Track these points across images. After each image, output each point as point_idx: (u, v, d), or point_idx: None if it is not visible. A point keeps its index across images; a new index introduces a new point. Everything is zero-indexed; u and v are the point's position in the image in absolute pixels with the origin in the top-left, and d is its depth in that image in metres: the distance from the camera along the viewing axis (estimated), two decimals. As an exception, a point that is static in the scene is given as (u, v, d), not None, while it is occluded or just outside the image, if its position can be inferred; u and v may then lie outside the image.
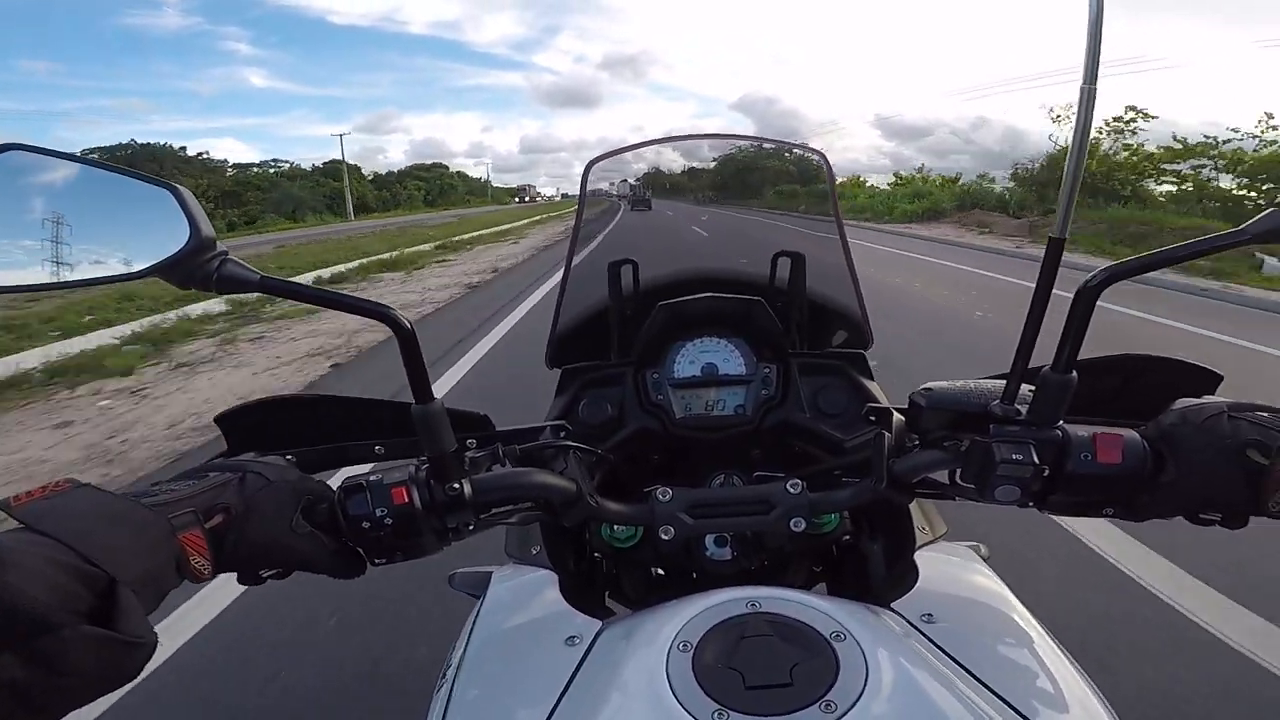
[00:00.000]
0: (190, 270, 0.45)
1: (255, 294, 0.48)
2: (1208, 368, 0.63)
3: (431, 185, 77.16)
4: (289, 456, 0.62)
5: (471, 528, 0.56)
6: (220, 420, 0.65)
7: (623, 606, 0.81)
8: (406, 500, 0.51)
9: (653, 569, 0.82)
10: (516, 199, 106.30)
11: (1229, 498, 0.48)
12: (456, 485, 0.53)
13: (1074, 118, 0.46)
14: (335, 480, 0.55)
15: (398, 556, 0.54)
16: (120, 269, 0.47)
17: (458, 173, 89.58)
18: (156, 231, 0.45)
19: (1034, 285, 0.48)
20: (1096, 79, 0.46)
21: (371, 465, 0.56)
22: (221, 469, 0.50)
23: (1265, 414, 0.48)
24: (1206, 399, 0.52)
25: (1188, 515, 0.51)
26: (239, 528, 0.47)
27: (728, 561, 0.74)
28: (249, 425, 0.66)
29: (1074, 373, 0.50)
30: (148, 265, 0.45)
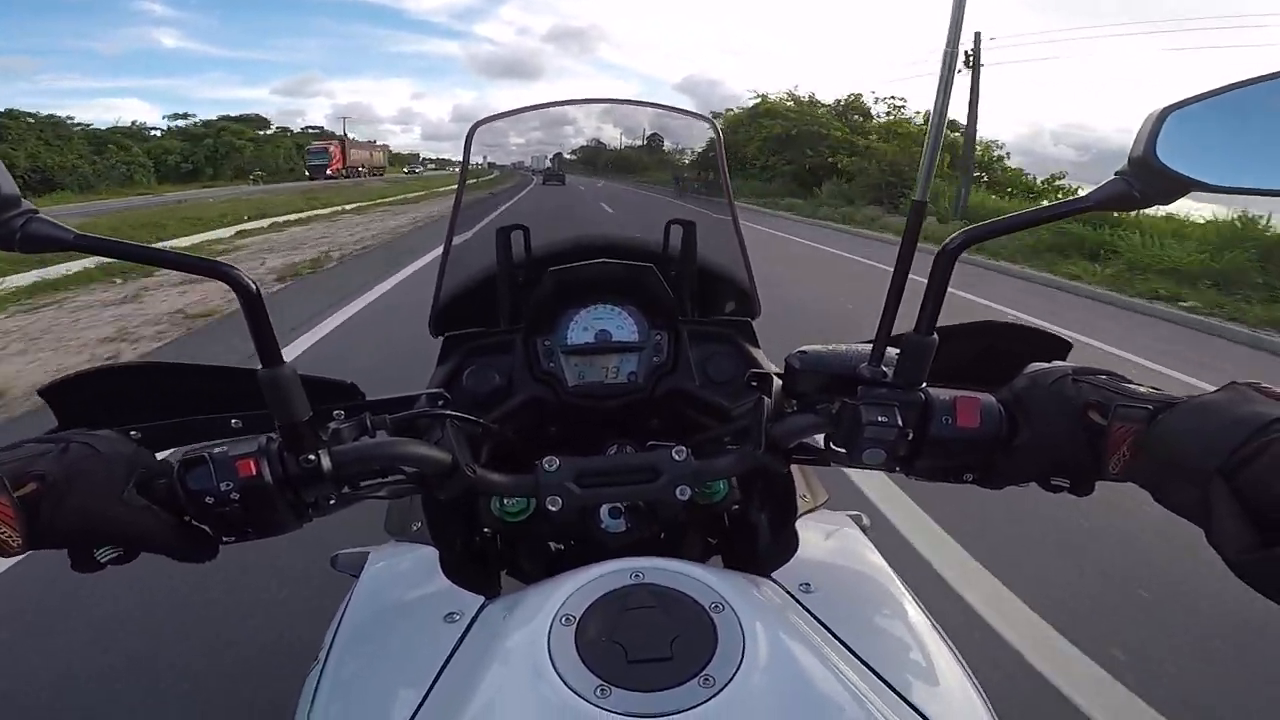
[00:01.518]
0: None
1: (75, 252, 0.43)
2: (1059, 335, 0.66)
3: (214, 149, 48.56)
4: (132, 432, 0.57)
5: (334, 502, 0.53)
6: (46, 393, 0.60)
7: (520, 584, 0.79)
8: (255, 473, 0.48)
9: (550, 544, 0.81)
10: (407, 169, 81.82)
11: (1075, 459, 0.50)
12: (313, 457, 0.50)
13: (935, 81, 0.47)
14: None
15: (250, 534, 0.50)
16: None
17: (281, 130, 60.65)
18: None
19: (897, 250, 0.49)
20: (958, 42, 0.47)
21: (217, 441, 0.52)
22: (40, 441, 0.45)
23: (1105, 377, 0.50)
24: (1055, 363, 0.54)
25: (1040, 481, 0.53)
26: (57, 497, 0.43)
27: (622, 533, 0.73)
28: (82, 398, 0.61)
29: (935, 335, 0.51)
30: None
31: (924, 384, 0.53)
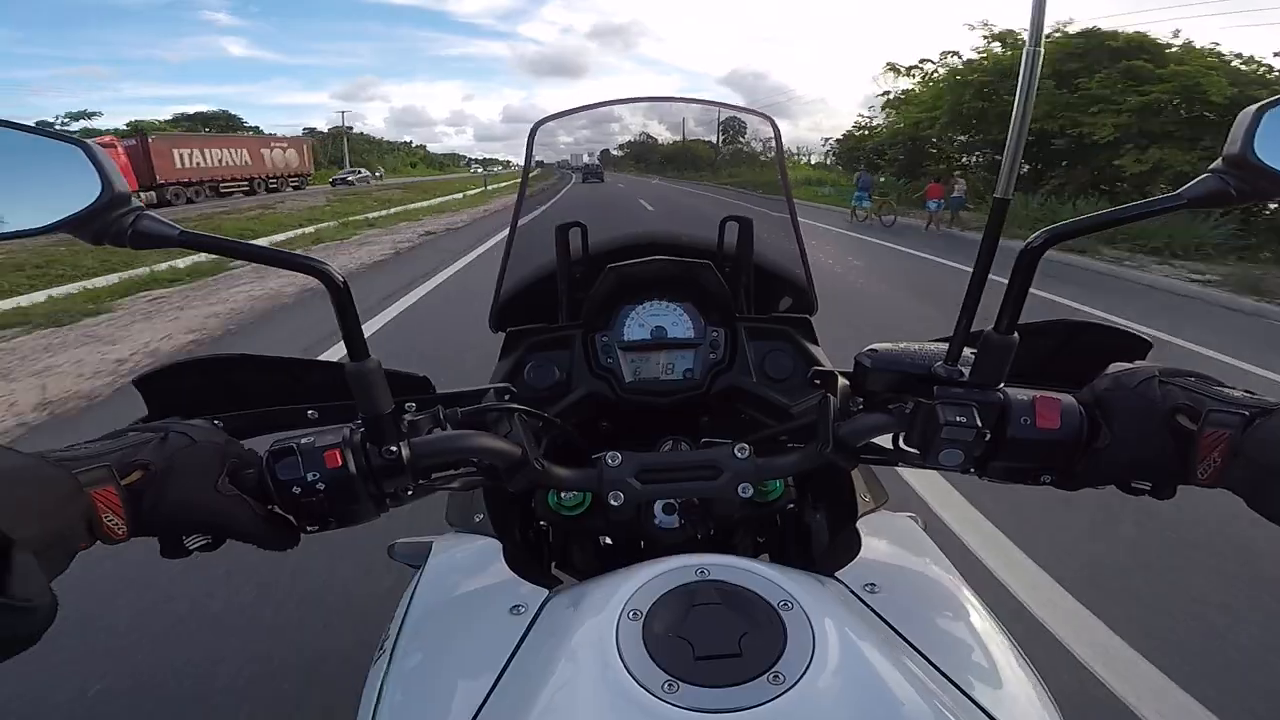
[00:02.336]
0: (103, 226, 0.43)
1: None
2: (1139, 334, 0.64)
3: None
4: (216, 421, 0.60)
5: (410, 493, 0.54)
6: (140, 383, 0.62)
7: (569, 577, 0.80)
8: (340, 464, 0.49)
9: (601, 538, 0.82)
10: (336, 179, 41.04)
11: (1159, 463, 0.48)
12: (394, 448, 0.51)
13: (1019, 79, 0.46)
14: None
15: (331, 524, 0.51)
16: (29, 223, 0.44)
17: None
18: (68, 188, 0.43)
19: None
20: (1041, 41, 0.46)
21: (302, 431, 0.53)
22: (141, 430, 0.47)
23: (1194, 379, 0.49)
24: (1138, 364, 0.53)
25: (1119, 483, 0.52)
26: (158, 486, 0.44)
27: (675, 530, 0.73)
28: (171, 388, 0.63)
29: (1015, 334, 0.50)
30: (58, 220, 0.43)
31: (1002, 384, 0.52)
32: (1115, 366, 0.53)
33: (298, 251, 0.48)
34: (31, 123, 0.47)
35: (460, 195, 22.47)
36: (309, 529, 0.51)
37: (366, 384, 0.50)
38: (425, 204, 20.03)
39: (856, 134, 27.00)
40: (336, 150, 63.46)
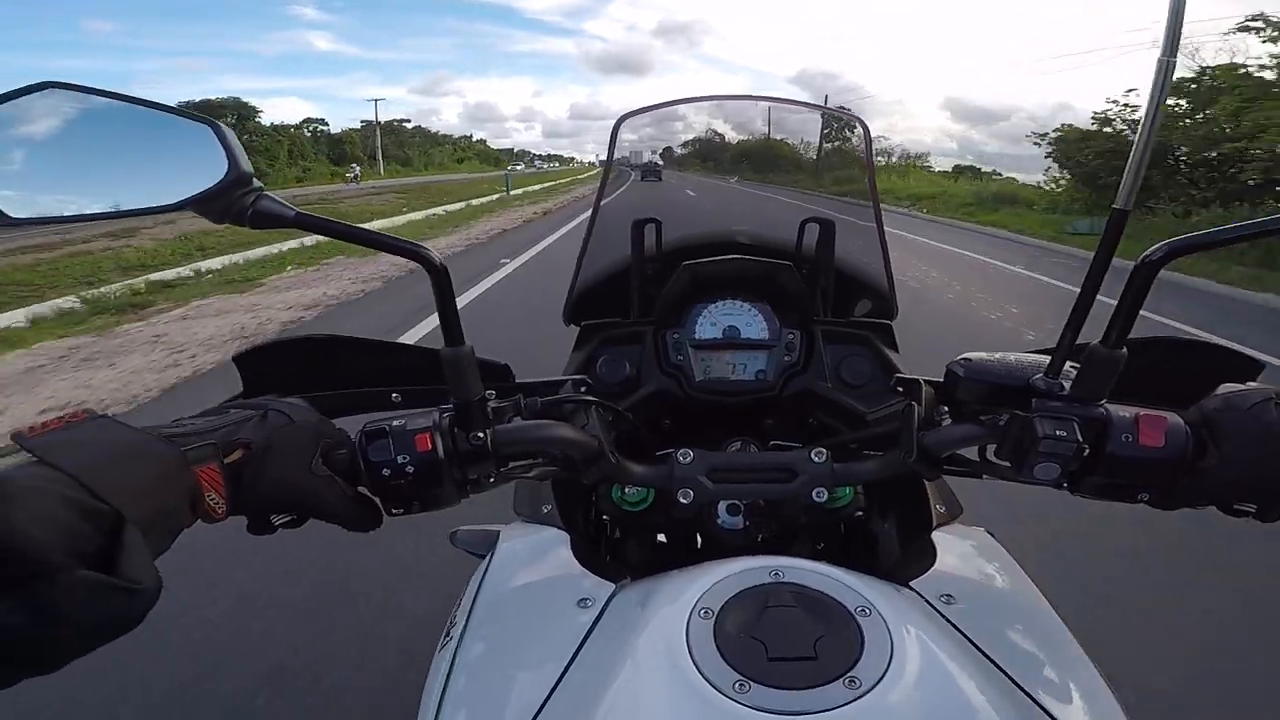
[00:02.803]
0: (226, 204, 0.45)
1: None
2: (1249, 354, 0.61)
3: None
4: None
5: (492, 480, 0.55)
6: (239, 360, 0.64)
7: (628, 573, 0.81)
8: (430, 448, 0.50)
9: (657, 535, 0.82)
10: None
11: (1269, 486, 0.47)
12: (481, 435, 0.52)
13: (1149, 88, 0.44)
14: (354, 429, 0.53)
15: (415, 507, 0.52)
16: (159, 200, 0.47)
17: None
18: (195, 166, 0.45)
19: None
20: (1176, 51, 0.44)
21: (389, 414, 0.54)
22: (243, 407, 0.48)
23: None
24: (1252, 385, 0.51)
25: (1221, 505, 0.50)
26: (258, 465, 0.45)
27: (738, 531, 0.73)
28: (267, 366, 0.65)
29: (1124, 349, 0.48)
30: (186, 198, 0.45)
31: (1105, 399, 0.50)
32: (1226, 387, 0.51)
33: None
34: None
35: (461, 205, 17.28)
36: (394, 511, 0.52)
37: (460, 369, 0.51)
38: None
39: (1104, 129, 16.82)
40: (382, 143, 62.15)
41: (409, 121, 76.19)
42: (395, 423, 0.51)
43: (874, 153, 0.94)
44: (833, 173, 1.14)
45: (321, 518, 0.49)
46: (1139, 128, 0.45)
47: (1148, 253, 0.45)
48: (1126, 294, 0.46)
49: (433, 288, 0.49)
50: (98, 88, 0.47)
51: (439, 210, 15.76)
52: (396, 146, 67.19)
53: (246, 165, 0.45)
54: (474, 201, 18.88)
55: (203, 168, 0.45)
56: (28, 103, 0.45)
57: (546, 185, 30.65)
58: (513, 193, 22.42)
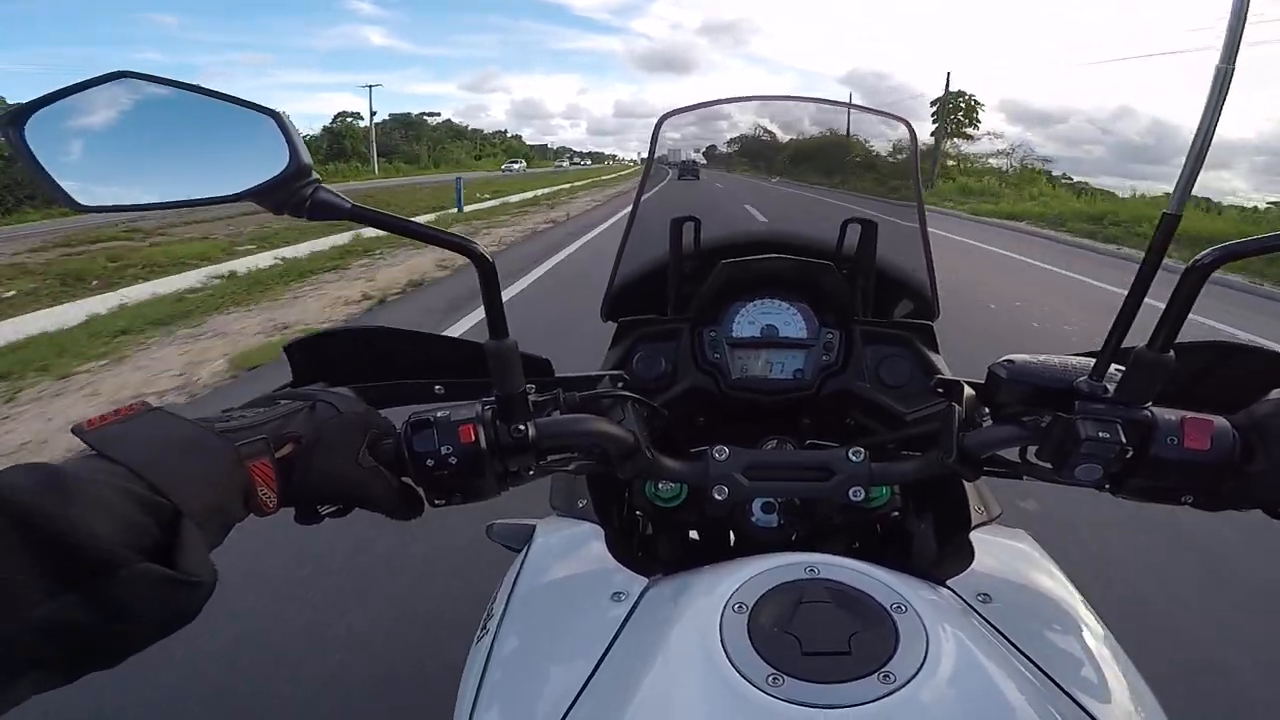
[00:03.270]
0: (287, 195, 0.46)
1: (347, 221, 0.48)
2: None
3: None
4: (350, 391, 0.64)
5: (531, 473, 0.56)
6: (289, 349, 0.66)
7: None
8: (473, 439, 0.51)
9: (690, 531, 0.83)
10: None
11: None
12: (522, 427, 0.53)
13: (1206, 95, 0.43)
14: (396, 419, 0.54)
15: (456, 498, 0.53)
16: (221, 190, 0.48)
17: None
18: (257, 156, 0.46)
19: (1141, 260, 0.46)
20: (1235, 59, 0.43)
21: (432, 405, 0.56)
22: (291, 398, 0.49)
23: None
24: None
25: (1268, 509, 0.50)
26: (307, 458, 0.46)
27: (773, 529, 0.74)
28: (316, 356, 0.67)
29: (1171, 353, 0.47)
30: (247, 188, 0.46)
31: (1150, 402, 0.50)
32: (1278, 393, 0.50)
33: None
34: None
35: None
36: (436, 502, 0.53)
37: (504, 362, 0.52)
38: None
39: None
40: (388, 139, 58.54)
41: (435, 115, 71.88)
42: (440, 414, 0.52)
43: (943, 156, 0.93)
44: (879, 174, 1.13)
45: (367, 507, 0.50)
46: (1194, 135, 0.44)
47: (1199, 257, 0.44)
48: (1175, 298, 0.46)
49: (479, 282, 0.50)
50: (168, 78, 0.48)
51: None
52: (409, 142, 63.27)
53: (307, 157, 0.46)
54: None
55: (264, 158, 0.46)
56: (97, 93, 0.46)
57: (539, 193, 21.19)
58: (480, 206, 15.73)
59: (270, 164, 0.46)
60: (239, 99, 0.48)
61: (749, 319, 0.85)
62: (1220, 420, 0.50)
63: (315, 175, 0.46)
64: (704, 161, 1.61)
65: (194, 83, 0.48)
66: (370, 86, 53.54)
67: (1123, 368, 0.50)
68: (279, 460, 0.44)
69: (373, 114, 55.74)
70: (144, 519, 0.34)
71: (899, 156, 1.02)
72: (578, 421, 0.58)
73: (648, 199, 0.95)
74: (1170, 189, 0.46)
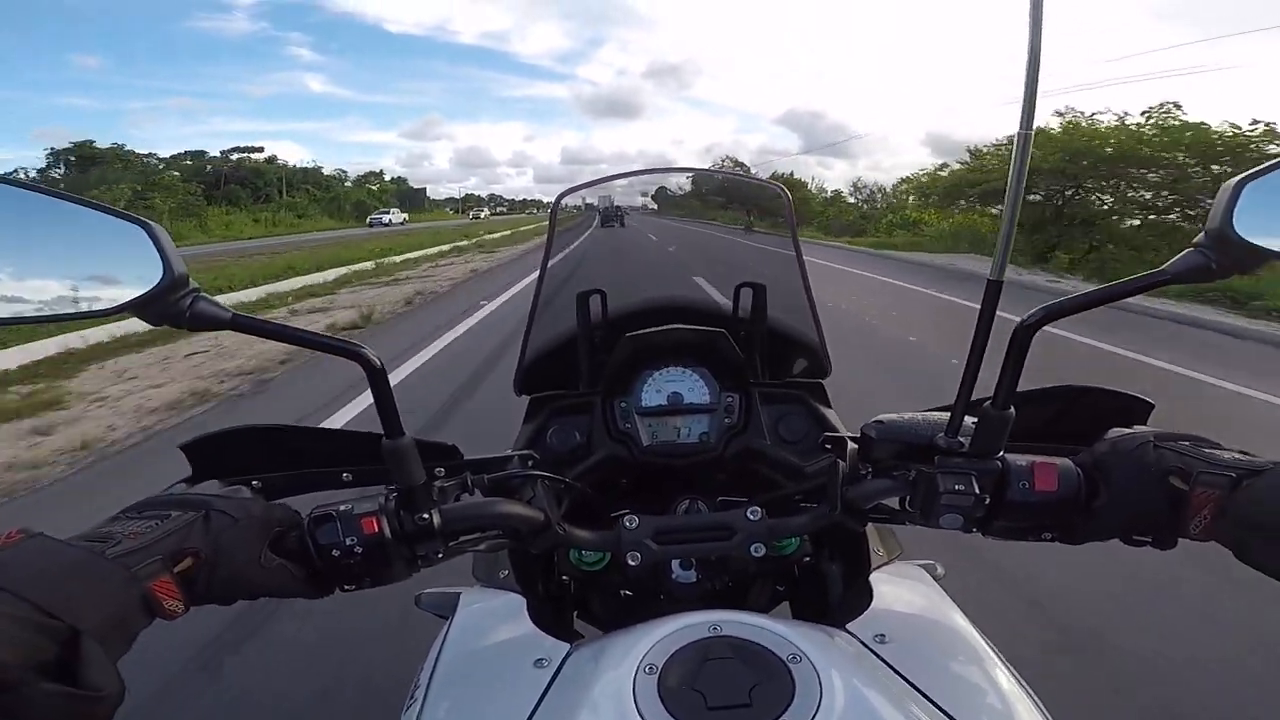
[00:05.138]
0: (164, 308, 0.45)
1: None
2: (1140, 397, 0.66)
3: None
4: (255, 482, 0.62)
5: (440, 555, 0.57)
6: (186, 448, 0.65)
7: (592, 627, 0.82)
8: (376, 530, 0.52)
9: (621, 590, 0.84)
10: None
11: (1155, 521, 0.51)
12: (426, 515, 0.54)
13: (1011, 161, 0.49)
14: (303, 507, 0.55)
15: (366, 583, 0.54)
16: (95, 305, 0.47)
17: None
18: (132, 267, 0.45)
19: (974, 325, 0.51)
20: (1032, 125, 0.49)
21: (338, 495, 0.57)
22: (183, 504, 0.49)
23: (1187, 443, 0.51)
24: (1136, 428, 0.56)
25: (1121, 537, 0.54)
26: (209, 569, 0.46)
27: (693, 584, 0.76)
28: (214, 452, 0.66)
29: (1011, 408, 0.52)
30: (122, 302, 0.46)
31: (1000, 453, 0.55)
32: (1114, 432, 0.55)
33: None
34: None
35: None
36: (345, 588, 0.54)
37: (401, 459, 0.53)
38: None
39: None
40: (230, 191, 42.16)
41: (257, 152, 49.78)
42: (342, 507, 0.53)
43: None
44: (767, 235, 1.21)
45: (275, 596, 0.51)
46: (1005, 200, 0.49)
47: (1024, 318, 0.49)
48: (1008, 358, 0.51)
49: (370, 384, 0.51)
50: (37, 184, 0.47)
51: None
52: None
53: (181, 267, 0.45)
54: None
55: (140, 269, 0.45)
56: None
57: (362, 267, 13.48)
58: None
59: (146, 275, 0.45)
60: (112, 209, 0.48)
61: (655, 388, 0.88)
62: (1065, 461, 0.55)
63: (193, 284, 0.46)
64: (619, 207, 1.72)
65: (66, 191, 0.48)
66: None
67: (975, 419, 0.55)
68: (179, 575, 0.44)
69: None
70: (39, 639, 0.34)
71: (779, 219, 1.08)
72: (485, 505, 0.60)
73: (562, 253, 0.97)
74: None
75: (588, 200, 1.54)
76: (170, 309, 0.45)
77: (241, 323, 0.48)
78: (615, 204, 1.71)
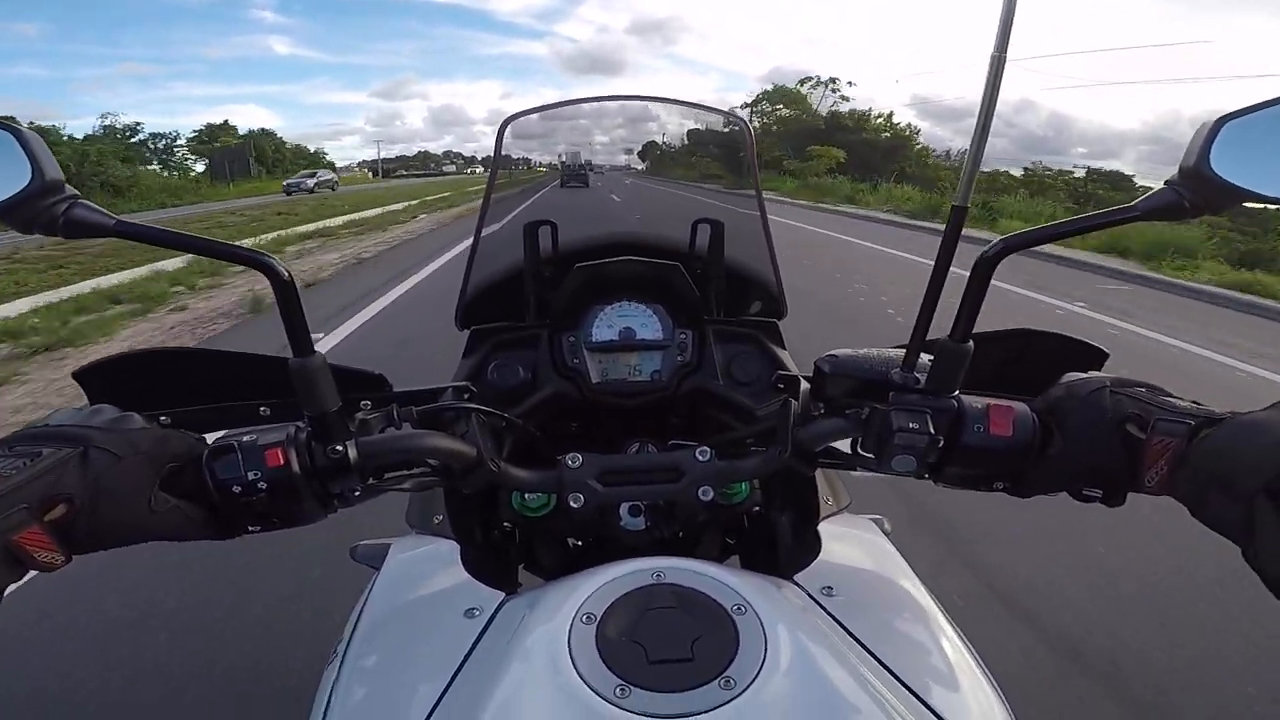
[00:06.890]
0: (33, 213, 0.41)
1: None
2: (1095, 345, 0.65)
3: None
4: (162, 418, 0.57)
5: (359, 494, 0.53)
6: (79, 375, 0.60)
7: (537, 578, 0.79)
8: (283, 463, 0.48)
9: (569, 540, 0.81)
10: None
11: (1109, 470, 0.49)
12: (340, 447, 0.50)
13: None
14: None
15: (275, 524, 0.50)
16: None
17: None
18: None
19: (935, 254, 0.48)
20: (1006, 48, 0.46)
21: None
22: (59, 439, 0.43)
23: (1144, 390, 0.50)
24: (1092, 374, 0.54)
25: (1071, 490, 0.52)
26: (88, 514, 0.41)
27: (642, 532, 0.73)
28: (115, 382, 0.61)
29: (970, 342, 0.50)
30: None
31: (957, 391, 0.53)
32: (1069, 376, 0.53)
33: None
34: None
35: None
36: (251, 529, 0.50)
37: (310, 380, 0.49)
38: None
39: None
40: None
41: (114, 121, 39.19)
42: (245, 438, 0.48)
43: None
44: (727, 173, 1.16)
45: (171, 541, 0.47)
46: (974, 127, 0.46)
47: (984, 250, 0.47)
48: (969, 290, 0.48)
49: (276, 297, 0.46)
50: None
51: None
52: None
53: (54, 172, 0.41)
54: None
55: (4, 175, 0.41)
56: None
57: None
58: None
59: (12, 181, 0.41)
60: None
61: (608, 322, 0.84)
62: (1020, 405, 0.53)
63: (70, 190, 0.42)
64: (583, 164, 1.54)
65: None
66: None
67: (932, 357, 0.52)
68: (51, 524, 0.40)
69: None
70: None
71: (740, 155, 1.04)
72: (407, 438, 0.56)
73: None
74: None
75: (563, 159, 1.43)
76: (41, 215, 0.41)
77: (127, 229, 0.43)
78: (585, 161, 1.52)
